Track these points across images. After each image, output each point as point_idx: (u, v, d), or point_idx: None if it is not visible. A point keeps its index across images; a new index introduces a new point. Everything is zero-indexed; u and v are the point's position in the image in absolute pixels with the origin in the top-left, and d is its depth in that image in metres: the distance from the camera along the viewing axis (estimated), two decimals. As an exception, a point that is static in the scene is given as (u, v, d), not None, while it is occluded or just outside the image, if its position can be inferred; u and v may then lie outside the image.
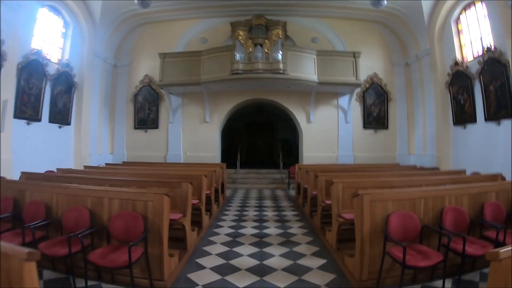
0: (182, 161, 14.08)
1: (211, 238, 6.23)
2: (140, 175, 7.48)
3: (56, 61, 11.04)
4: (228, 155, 17.25)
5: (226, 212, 8.52)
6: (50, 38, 10.85)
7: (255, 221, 7.66)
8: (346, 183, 5.81)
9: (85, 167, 10.12)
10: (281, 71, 11.91)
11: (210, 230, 6.82)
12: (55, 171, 8.30)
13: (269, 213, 8.46)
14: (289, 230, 6.86)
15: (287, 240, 6.14)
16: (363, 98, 14.30)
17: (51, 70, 10.39)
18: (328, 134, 14.07)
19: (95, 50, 12.78)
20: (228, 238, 6.25)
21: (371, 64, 14.04)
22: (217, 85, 12.93)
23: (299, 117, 14.04)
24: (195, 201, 6.45)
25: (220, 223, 7.42)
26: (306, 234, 6.59)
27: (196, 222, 6.48)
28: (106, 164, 11.85)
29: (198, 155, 14.03)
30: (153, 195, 4.12)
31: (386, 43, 14.48)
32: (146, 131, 14.56)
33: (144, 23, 14.40)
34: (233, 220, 7.72)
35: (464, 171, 8.26)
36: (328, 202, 6.26)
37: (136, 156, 14.31)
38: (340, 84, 12.91)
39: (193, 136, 14.21)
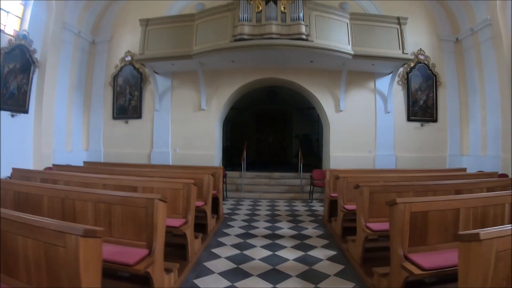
0: (170, 161, 11.43)
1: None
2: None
3: (12, 33, 8.65)
4: (233, 153, 14.31)
5: (217, 250, 5.51)
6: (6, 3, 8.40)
7: (264, 274, 4.46)
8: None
9: (46, 168, 8.02)
10: (304, 36, 8.87)
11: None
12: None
13: (288, 253, 5.44)
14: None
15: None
16: (406, 81, 11.32)
17: (2, 42, 8.07)
18: (363, 127, 11.10)
19: (65, 22, 10.24)
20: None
21: (415, 39, 11.07)
22: (215, 59, 9.99)
23: (326, 104, 11.01)
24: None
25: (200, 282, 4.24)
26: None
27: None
28: (50, 167, 8.97)
29: (191, 153, 11.26)
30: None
31: (431, 12, 11.51)
32: (126, 122, 11.88)
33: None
34: (226, 273, 4.49)
35: None
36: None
37: (114, 154, 11.75)
38: (381, 58, 9.88)
39: (185, 128, 11.41)
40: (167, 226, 4.00)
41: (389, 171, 8.13)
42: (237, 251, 5.32)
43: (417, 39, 11.18)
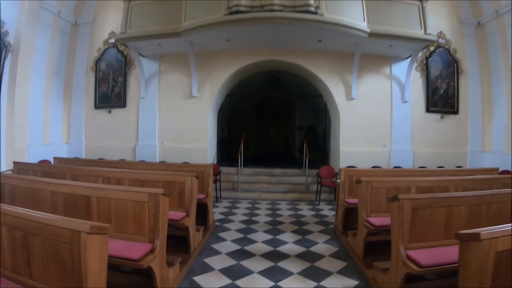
0: (157, 155, 10.15)
1: None
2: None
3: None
4: (230, 147, 12.93)
5: (200, 279, 4.18)
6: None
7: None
8: None
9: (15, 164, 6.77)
10: (312, 9, 7.46)
11: None
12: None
13: (296, 283, 4.11)
14: None
15: None
16: (426, 67, 9.97)
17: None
18: (377, 117, 9.75)
19: (42, 1, 8.94)
20: None
21: (434, 21, 9.58)
22: (207, 38, 8.61)
23: (335, 91, 9.65)
24: None
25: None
26: None
27: None
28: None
29: (181, 146, 9.97)
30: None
31: (450, -7, 10.08)
32: (110, 112, 10.55)
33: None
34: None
35: None
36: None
37: (97, 148, 10.51)
38: (401, 38, 8.46)
39: (173, 118, 10.09)
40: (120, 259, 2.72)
41: (417, 172, 6.76)
42: (227, 280, 4.02)
43: (437, 21, 9.76)
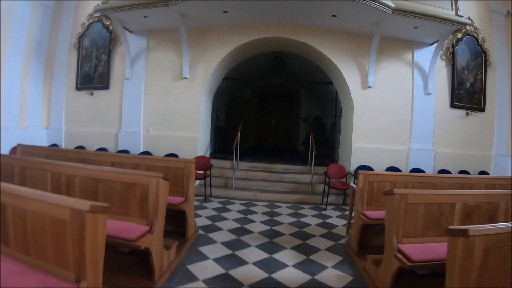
0: (141, 144, 8.88)
1: None
2: None
3: None
4: (227, 137, 11.53)
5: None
6: None
7: None
8: None
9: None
10: (328, -27, 6.09)
11: None
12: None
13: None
14: None
15: None
16: (452, 56, 8.63)
17: None
18: (396, 110, 8.42)
19: None
20: None
21: (462, 6, 8.10)
22: (201, 8, 7.31)
23: (349, 77, 8.31)
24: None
25: None
26: None
27: None
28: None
29: (168, 135, 8.72)
30: None
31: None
32: (92, 94, 9.26)
33: None
34: None
35: None
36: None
37: (77, 134, 9.28)
38: (429, 17, 7.07)
39: (161, 102, 8.79)
40: None
41: (453, 180, 5.42)
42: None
43: (465, 6, 8.27)
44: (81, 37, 9.29)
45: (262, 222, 6.11)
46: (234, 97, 12.89)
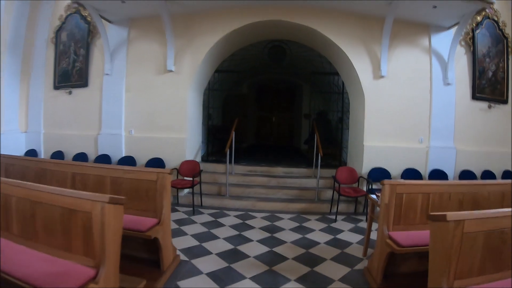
0: (122, 148, 7.82)
1: None
2: None
3: None
4: (223, 138, 10.34)
5: None
6: None
7: None
8: None
9: None
10: None
11: None
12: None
13: None
14: None
15: None
16: (472, 42, 7.55)
17: None
18: (413, 102, 7.31)
19: None
20: None
21: None
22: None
23: (359, 65, 7.22)
24: None
25: None
26: None
27: None
28: None
29: (153, 136, 7.68)
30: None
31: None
32: (70, 93, 8.22)
33: None
34: None
35: None
36: None
37: (56, 138, 8.29)
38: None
39: (144, 99, 7.73)
40: None
41: (495, 187, 4.33)
42: None
43: None
44: (58, 31, 8.31)
45: (260, 241, 5.05)
46: (230, 93, 11.79)
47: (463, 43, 7.46)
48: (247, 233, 5.37)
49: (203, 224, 5.77)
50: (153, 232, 3.46)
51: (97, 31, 7.81)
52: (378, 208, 3.92)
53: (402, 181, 3.81)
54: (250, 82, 13.67)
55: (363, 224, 6.01)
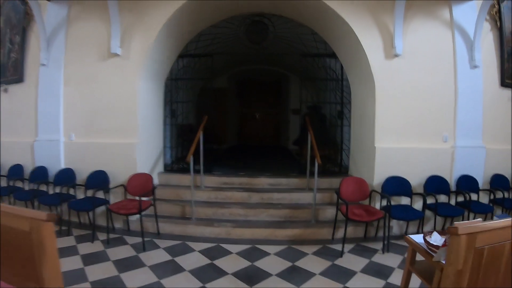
0: (62, 159, 5.98)
1: None
2: None
3: None
4: (206, 139, 8.48)
5: None
6: None
7: None
8: None
9: None
10: None
11: None
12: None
13: None
14: None
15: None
16: (499, 16, 5.96)
17: None
18: (435, 91, 5.57)
19: None
20: None
21: None
22: None
23: (367, 41, 5.48)
24: None
25: None
26: None
27: None
28: None
29: (97, 142, 5.83)
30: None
31: None
32: (6, 90, 6.53)
33: None
34: None
35: None
36: None
37: None
38: None
39: (85, 94, 5.89)
40: None
41: None
42: None
43: None
44: (-5, 16, 6.57)
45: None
46: (206, 87, 9.91)
47: (487, 17, 5.80)
48: (214, 284, 3.60)
49: (153, 268, 3.97)
50: None
51: (33, 15, 5.99)
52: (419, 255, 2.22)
53: (483, 224, 2.05)
54: (230, 74, 11.83)
55: (380, 258, 4.30)
